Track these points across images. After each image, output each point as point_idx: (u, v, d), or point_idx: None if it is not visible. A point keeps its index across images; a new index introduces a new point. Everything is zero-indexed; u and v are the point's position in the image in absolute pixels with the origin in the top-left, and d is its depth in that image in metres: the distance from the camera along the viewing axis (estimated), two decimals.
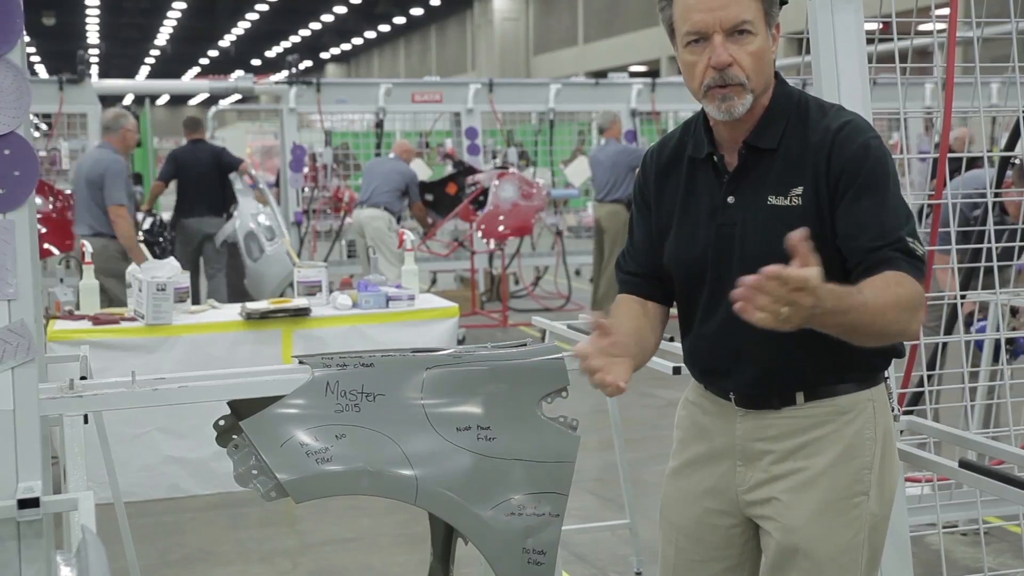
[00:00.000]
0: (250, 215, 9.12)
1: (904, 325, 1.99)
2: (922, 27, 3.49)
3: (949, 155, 3.01)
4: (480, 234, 9.76)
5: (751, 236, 2.13)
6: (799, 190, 2.10)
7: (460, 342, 6.82)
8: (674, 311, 2.38)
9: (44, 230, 7.37)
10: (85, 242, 5.81)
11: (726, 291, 2.05)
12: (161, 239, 9.16)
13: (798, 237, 1.80)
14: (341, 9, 36.61)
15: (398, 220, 9.71)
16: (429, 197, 10.34)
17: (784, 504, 2.17)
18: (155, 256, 7.75)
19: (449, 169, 11.12)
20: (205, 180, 9.21)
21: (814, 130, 2.12)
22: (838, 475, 2.15)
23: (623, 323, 2.25)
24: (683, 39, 2.12)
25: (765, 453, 2.20)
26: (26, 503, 2.20)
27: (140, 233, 9.60)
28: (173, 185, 9.52)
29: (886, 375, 2.22)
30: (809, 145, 2.11)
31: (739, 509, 2.25)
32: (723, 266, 2.17)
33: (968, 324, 4.03)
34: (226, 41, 42.27)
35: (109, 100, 13.32)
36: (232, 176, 9.39)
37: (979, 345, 4.28)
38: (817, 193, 2.09)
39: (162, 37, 40.45)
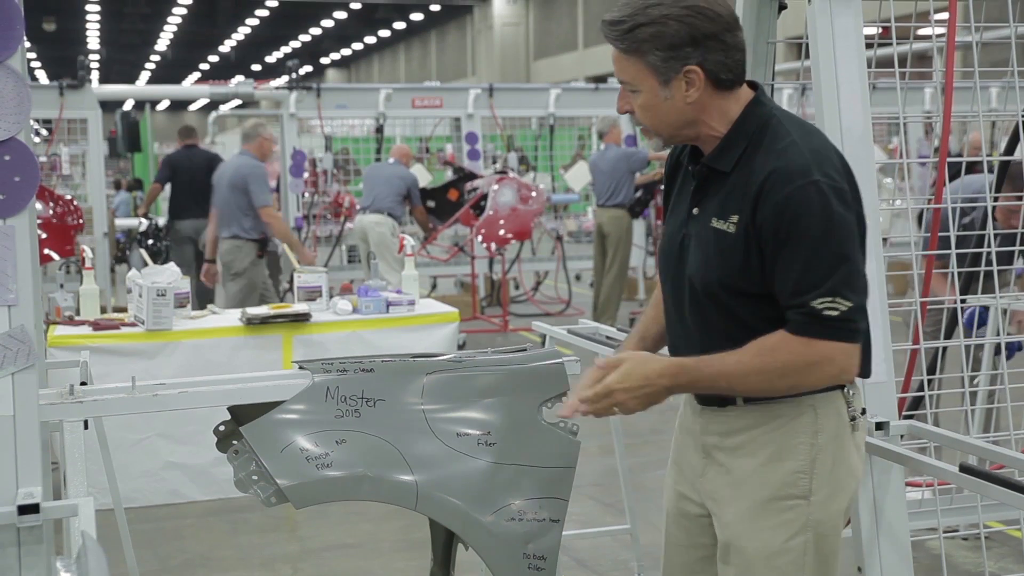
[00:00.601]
0: None
1: (778, 387, 2.13)
2: (921, 31, 3.49)
3: (949, 159, 3.01)
4: (480, 239, 9.76)
5: (694, 251, 2.23)
6: (735, 218, 2.15)
7: (460, 347, 6.82)
8: None
9: (44, 235, 7.37)
10: (85, 248, 5.81)
11: (680, 297, 2.26)
12: (158, 242, 9.27)
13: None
14: (341, 14, 36.63)
15: (401, 225, 9.72)
16: (431, 204, 10.36)
17: (722, 498, 2.26)
18: (154, 259, 7.85)
19: (449, 175, 11.12)
20: (198, 183, 9.43)
21: (758, 163, 2.14)
22: (767, 476, 2.20)
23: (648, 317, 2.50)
24: None
25: (715, 448, 2.28)
26: (26, 509, 2.20)
27: (138, 236, 9.68)
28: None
29: (843, 384, 2.21)
30: (751, 177, 2.14)
31: (701, 499, 2.34)
32: (679, 273, 2.27)
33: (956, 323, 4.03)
34: (226, 46, 42.29)
35: (109, 106, 13.34)
36: None
37: (968, 323, 4.24)
38: (747, 228, 2.13)
39: (162, 42, 40.46)
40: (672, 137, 2.24)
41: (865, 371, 2.21)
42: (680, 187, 2.34)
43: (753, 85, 2.24)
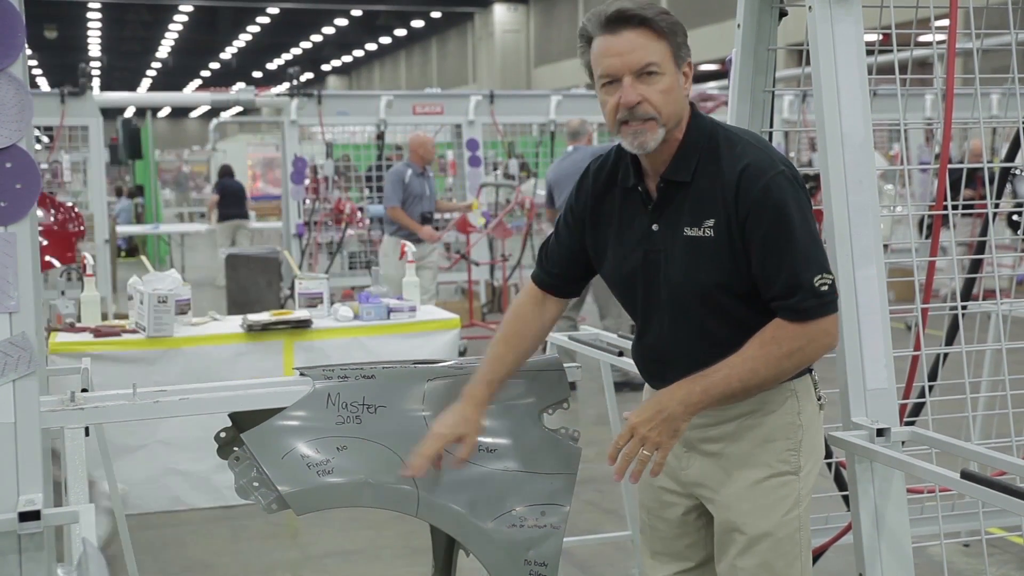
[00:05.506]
0: None
1: (786, 369, 2.24)
2: (922, 38, 3.49)
3: (949, 166, 3.00)
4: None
5: (672, 263, 2.31)
6: (711, 222, 2.25)
7: (461, 353, 6.82)
8: None
9: (45, 242, 7.37)
10: (86, 255, 5.82)
11: (655, 310, 2.35)
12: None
13: None
14: (342, 22, 36.67)
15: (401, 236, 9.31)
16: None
17: (716, 483, 2.39)
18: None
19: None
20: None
21: (723, 165, 2.25)
22: (762, 456, 2.35)
23: (507, 330, 2.54)
24: (598, 80, 2.29)
25: (701, 440, 2.40)
26: (27, 516, 2.20)
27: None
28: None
29: (811, 367, 2.39)
30: (718, 180, 2.25)
31: (687, 491, 2.46)
32: (652, 287, 2.36)
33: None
34: (227, 54, 42.33)
35: (111, 113, 13.36)
36: None
37: None
38: (728, 227, 2.23)
39: (163, 50, 40.51)
40: (669, 132, 2.27)
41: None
42: (620, 210, 2.40)
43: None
